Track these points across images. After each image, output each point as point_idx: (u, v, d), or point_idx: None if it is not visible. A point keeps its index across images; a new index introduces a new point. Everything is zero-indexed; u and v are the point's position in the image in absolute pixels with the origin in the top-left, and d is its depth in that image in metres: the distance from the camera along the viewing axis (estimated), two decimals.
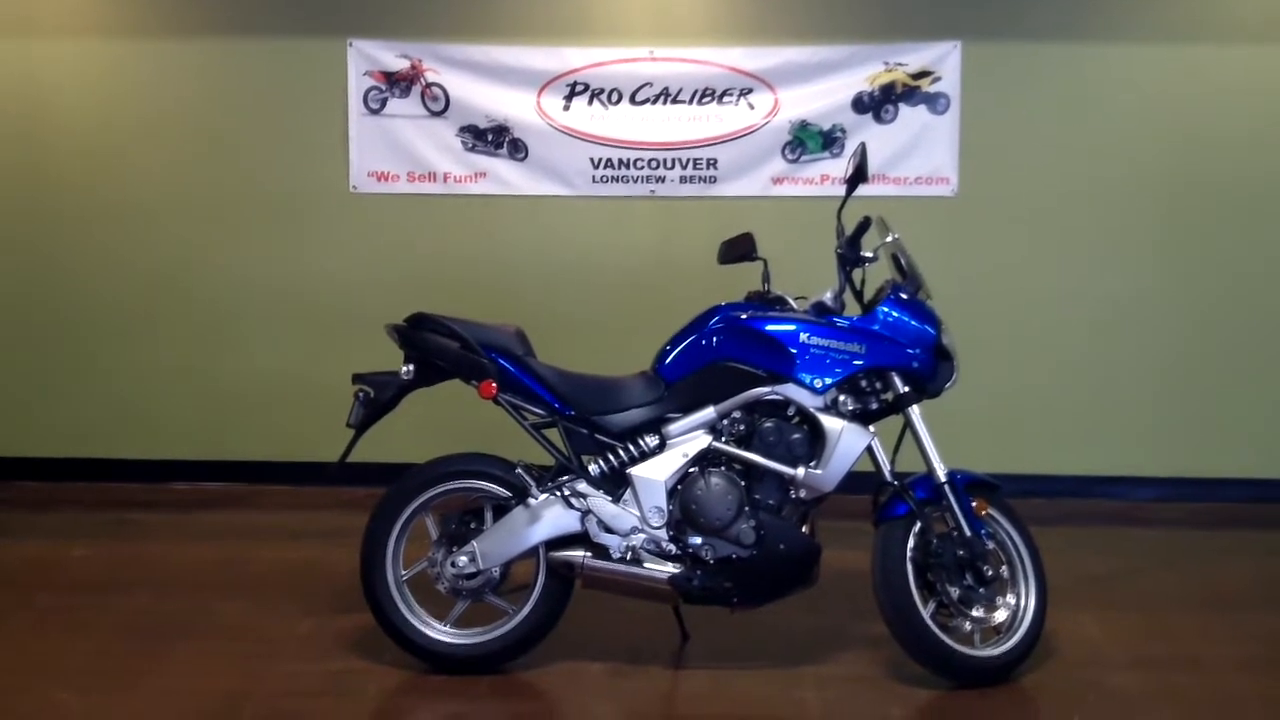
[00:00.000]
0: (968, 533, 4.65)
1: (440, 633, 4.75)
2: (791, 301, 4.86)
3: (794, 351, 4.64)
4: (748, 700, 4.57)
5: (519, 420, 4.76)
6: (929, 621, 4.61)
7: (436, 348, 4.74)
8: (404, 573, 4.78)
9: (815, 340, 4.65)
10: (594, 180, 7.23)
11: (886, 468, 4.78)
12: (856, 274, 4.87)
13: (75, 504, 7.20)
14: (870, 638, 4.96)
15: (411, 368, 4.75)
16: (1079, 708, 4.55)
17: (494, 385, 4.68)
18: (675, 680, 4.74)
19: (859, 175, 4.74)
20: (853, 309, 4.86)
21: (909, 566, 4.62)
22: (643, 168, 7.21)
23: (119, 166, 7.36)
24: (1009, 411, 7.29)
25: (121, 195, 7.37)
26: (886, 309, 4.74)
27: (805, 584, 4.72)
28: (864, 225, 4.79)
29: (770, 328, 4.68)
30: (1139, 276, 7.24)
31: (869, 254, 4.79)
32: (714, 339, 4.72)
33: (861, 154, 4.76)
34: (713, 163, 7.20)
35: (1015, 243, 7.26)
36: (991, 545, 4.72)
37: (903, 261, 4.83)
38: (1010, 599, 4.74)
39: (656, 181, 7.22)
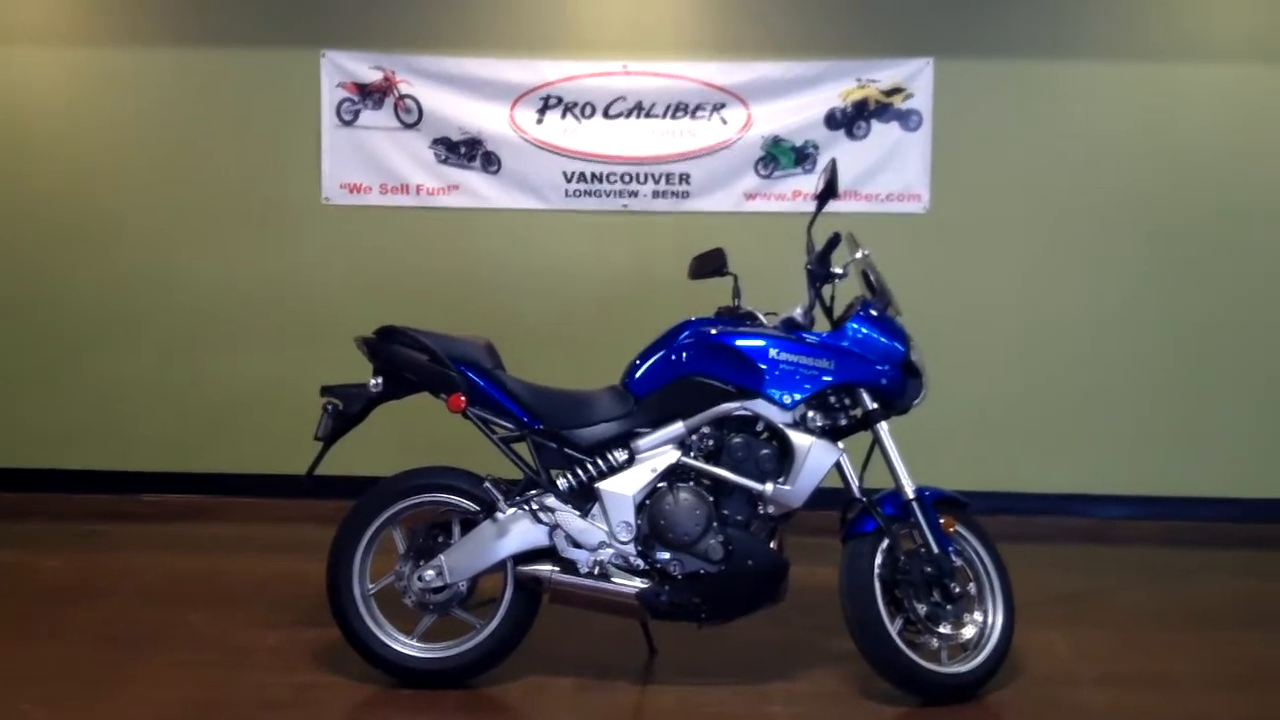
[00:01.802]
0: (935, 550, 4.64)
1: (407, 646, 4.73)
2: (761, 317, 4.86)
3: (763, 367, 4.64)
4: (715, 716, 4.55)
5: (487, 434, 4.75)
6: (896, 638, 4.59)
7: (405, 360, 4.73)
8: (371, 586, 4.75)
9: (784, 356, 4.65)
10: (567, 194, 7.25)
11: (855, 484, 4.78)
12: (826, 290, 4.87)
13: (49, 514, 7.19)
14: (839, 654, 4.94)
15: (380, 380, 4.74)
16: None
17: (462, 399, 4.67)
18: (643, 696, 4.73)
19: (829, 191, 4.75)
20: (823, 325, 4.86)
21: (876, 583, 4.61)
22: (615, 182, 7.23)
23: (92, 175, 7.38)
24: (982, 429, 7.31)
25: (94, 203, 7.39)
26: (856, 325, 4.74)
27: (773, 600, 4.72)
28: (833, 241, 4.80)
29: (740, 343, 4.68)
30: (1111, 294, 7.27)
31: (839, 270, 4.80)
32: (683, 354, 4.72)
33: (831, 170, 4.77)
34: (685, 178, 7.22)
35: (987, 260, 7.29)
36: (959, 562, 4.72)
37: (872, 278, 4.83)
38: (977, 616, 4.74)
39: (629, 196, 7.24)
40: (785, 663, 5.00)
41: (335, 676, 4.81)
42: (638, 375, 4.77)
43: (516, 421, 4.74)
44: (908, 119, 7.17)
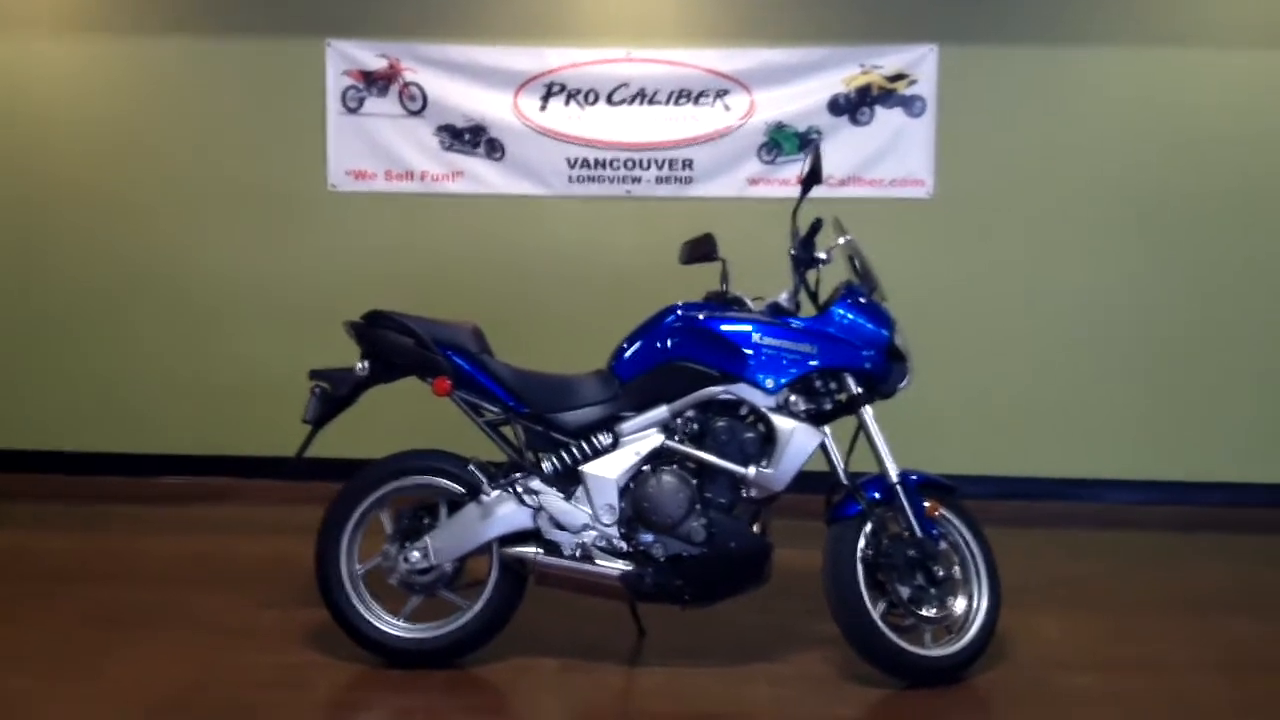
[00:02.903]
0: (919, 533, 4.66)
1: (394, 627, 4.77)
2: (749, 302, 4.87)
3: (747, 352, 4.66)
4: (700, 697, 4.58)
5: (473, 418, 4.79)
6: (879, 621, 4.61)
7: (391, 344, 4.76)
8: (359, 567, 4.80)
9: (768, 341, 4.67)
10: (570, 180, 7.29)
11: (840, 468, 4.79)
12: (811, 275, 4.88)
13: (59, 496, 7.29)
14: (825, 637, 4.95)
15: (367, 364, 4.78)
16: (1026, 708, 4.54)
17: (448, 382, 4.71)
18: (628, 677, 4.75)
19: (813, 176, 4.76)
20: (809, 310, 4.86)
21: (859, 566, 4.63)
22: (619, 168, 7.26)
23: (97, 164, 7.47)
24: (987, 414, 7.32)
25: (101, 191, 7.47)
26: (840, 310, 4.75)
27: (756, 583, 4.74)
28: (816, 226, 4.80)
29: (724, 328, 4.69)
30: (1117, 280, 7.26)
31: (822, 255, 4.81)
32: (669, 339, 4.74)
33: (815, 154, 4.78)
34: (689, 163, 7.24)
35: (991, 245, 7.29)
36: (944, 546, 4.73)
37: (857, 263, 4.84)
38: (962, 599, 4.74)
39: (633, 182, 7.27)
40: (771, 645, 5.02)
41: (325, 657, 4.85)
42: (623, 359, 4.80)
43: (502, 405, 4.77)
44: (911, 105, 7.17)
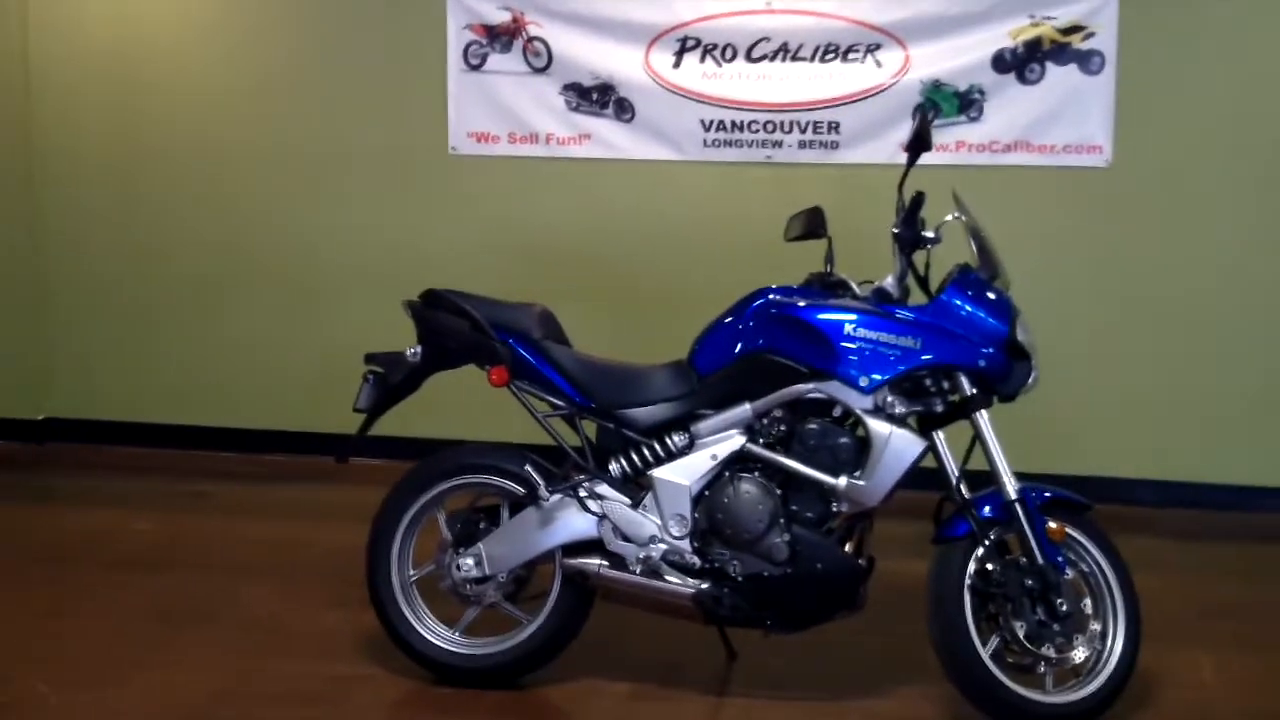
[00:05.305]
0: (1039, 560, 4.03)
1: (448, 641, 4.37)
2: (855, 286, 4.29)
3: (841, 345, 4.08)
4: None
5: (532, 412, 4.33)
6: (987, 660, 4.01)
7: (446, 328, 4.35)
8: (412, 573, 4.40)
9: (864, 333, 4.08)
10: (705, 144, 6.77)
11: (954, 478, 4.17)
12: (920, 257, 4.28)
13: (166, 471, 7.10)
14: (934, 668, 4.29)
15: (419, 349, 4.38)
16: None
17: (506, 372, 4.24)
18: (702, 709, 4.25)
19: (920, 142, 4.17)
20: (919, 298, 4.27)
21: (966, 596, 4.03)
22: (758, 131, 6.72)
23: (200, 123, 7.22)
24: (1158, 411, 6.57)
25: (205, 154, 7.24)
26: (954, 299, 4.14)
27: (848, 608, 4.18)
28: (918, 201, 4.19)
29: (819, 316, 4.13)
30: None
31: (930, 234, 4.19)
32: (755, 328, 4.21)
33: (922, 118, 4.21)
34: (835, 126, 6.65)
35: (1176, 220, 6.52)
36: (1070, 574, 4.09)
37: (974, 243, 4.22)
38: (1091, 637, 4.09)
39: (773, 146, 6.72)
40: (871, 675, 4.46)
41: (375, 669, 4.48)
42: (703, 349, 4.29)
43: (565, 399, 4.30)
44: (1088, 61, 6.45)
